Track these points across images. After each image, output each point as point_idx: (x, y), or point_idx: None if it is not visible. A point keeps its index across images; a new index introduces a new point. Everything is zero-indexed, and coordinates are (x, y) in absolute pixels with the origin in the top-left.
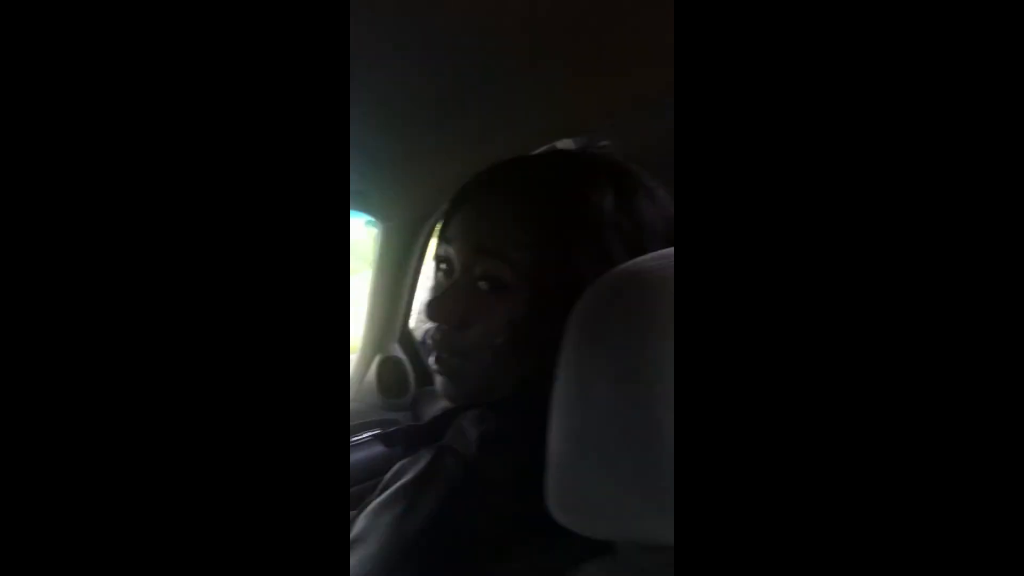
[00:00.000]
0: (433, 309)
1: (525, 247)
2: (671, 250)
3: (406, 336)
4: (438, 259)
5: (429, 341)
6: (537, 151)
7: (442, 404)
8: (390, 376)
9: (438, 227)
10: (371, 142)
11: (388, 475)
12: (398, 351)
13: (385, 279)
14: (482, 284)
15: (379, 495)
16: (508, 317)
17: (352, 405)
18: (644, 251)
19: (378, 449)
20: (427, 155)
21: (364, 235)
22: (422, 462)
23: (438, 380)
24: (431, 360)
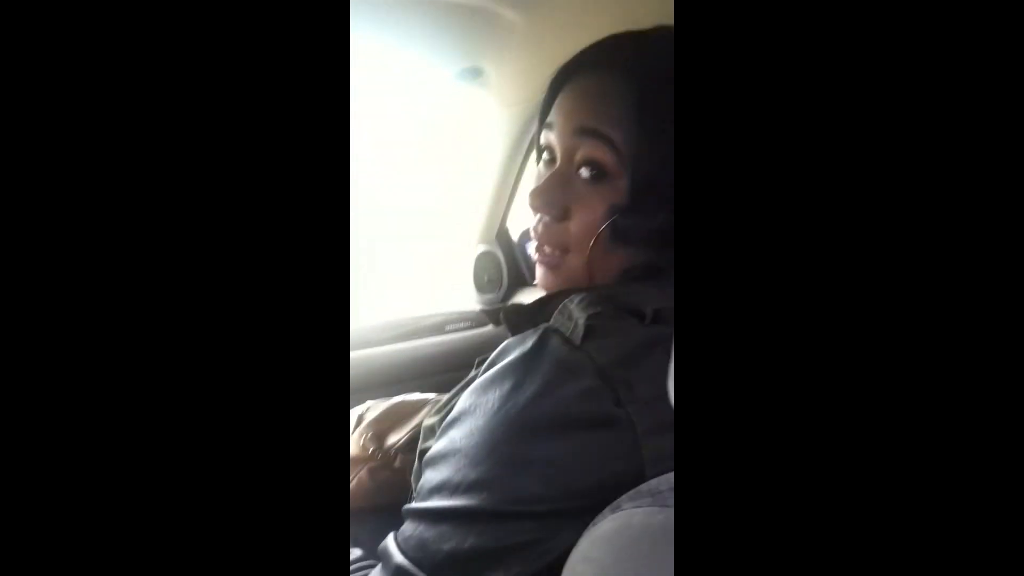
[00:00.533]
0: (536, 199)
1: (625, 126)
2: None
3: (503, 232)
4: (539, 148)
5: (532, 232)
6: (644, 28)
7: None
8: (486, 270)
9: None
10: (496, 12)
11: (494, 353)
12: (495, 246)
13: (496, 169)
14: (583, 171)
15: (486, 371)
16: (609, 206)
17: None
18: None
19: (468, 339)
20: (553, 31)
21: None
22: (529, 342)
23: (539, 272)
24: (534, 252)
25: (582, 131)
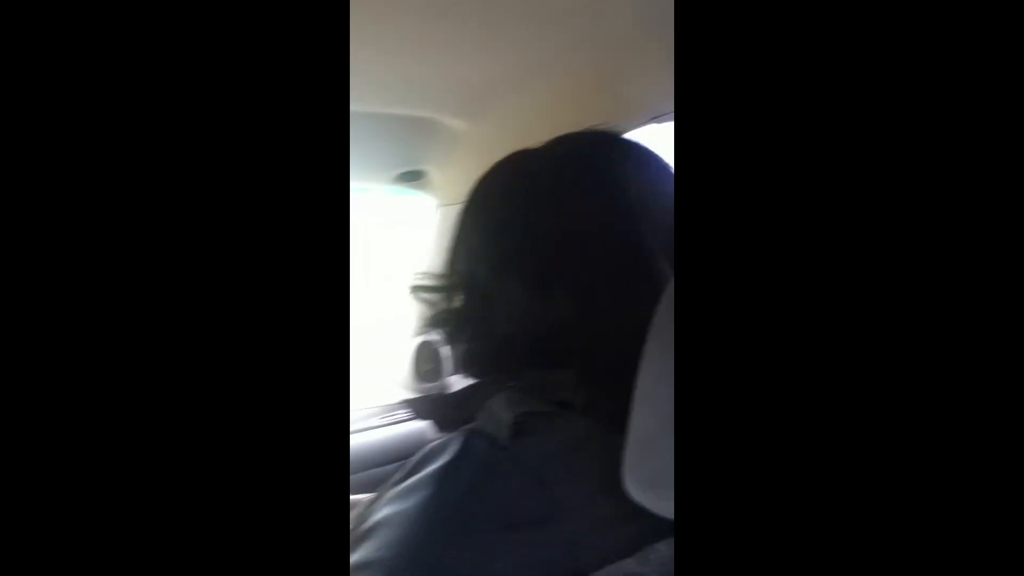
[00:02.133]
0: None
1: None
2: None
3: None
4: None
5: None
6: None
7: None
8: (425, 360)
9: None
10: (437, 122)
11: (416, 458)
12: (435, 335)
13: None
14: None
15: (406, 479)
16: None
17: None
18: None
19: (406, 432)
20: (497, 136)
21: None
22: (452, 446)
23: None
24: None
25: None
